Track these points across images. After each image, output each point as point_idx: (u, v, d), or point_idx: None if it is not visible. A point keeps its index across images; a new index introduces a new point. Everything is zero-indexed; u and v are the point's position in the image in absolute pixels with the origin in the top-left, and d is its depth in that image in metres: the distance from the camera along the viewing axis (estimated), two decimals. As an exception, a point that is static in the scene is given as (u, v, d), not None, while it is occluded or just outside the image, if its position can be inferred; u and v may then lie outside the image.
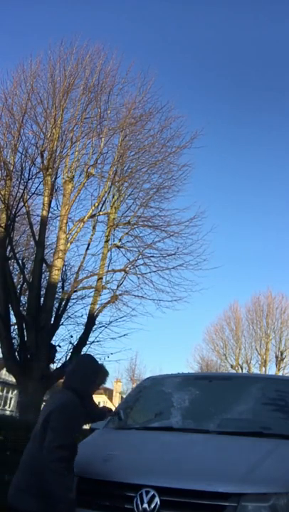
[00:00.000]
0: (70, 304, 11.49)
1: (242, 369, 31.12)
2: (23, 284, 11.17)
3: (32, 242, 12.14)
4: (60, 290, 11.30)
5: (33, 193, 10.86)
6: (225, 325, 33.18)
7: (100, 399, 48.96)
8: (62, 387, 3.14)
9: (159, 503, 2.70)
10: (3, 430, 6.18)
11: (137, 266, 11.95)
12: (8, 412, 28.97)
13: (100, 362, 3.32)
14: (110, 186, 11.69)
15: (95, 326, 11.34)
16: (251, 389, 4.19)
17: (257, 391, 4.15)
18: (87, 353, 3.24)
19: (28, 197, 10.76)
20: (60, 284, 11.23)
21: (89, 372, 3.13)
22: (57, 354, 10.72)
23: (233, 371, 29.49)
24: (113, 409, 4.27)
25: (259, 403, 4.02)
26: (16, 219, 10.80)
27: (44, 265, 11.01)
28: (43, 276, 11.03)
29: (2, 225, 10.25)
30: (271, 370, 31.40)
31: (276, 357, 31.96)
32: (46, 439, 2.79)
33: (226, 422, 3.71)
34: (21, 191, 10.42)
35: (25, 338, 10.13)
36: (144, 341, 34.02)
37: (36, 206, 11.82)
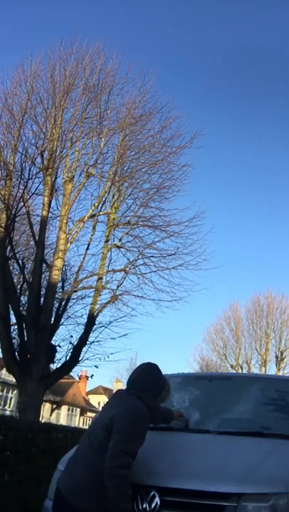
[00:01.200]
0: (70, 304, 11.50)
1: (242, 369, 31.11)
2: (23, 284, 11.16)
3: (32, 242, 12.13)
4: (60, 290, 11.29)
5: (33, 193, 10.87)
6: (225, 325, 33.21)
7: (99, 399, 49.01)
8: (126, 391, 3.03)
9: (159, 503, 2.70)
10: (3, 430, 6.18)
11: (137, 266, 11.96)
12: (8, 412, 28.97)
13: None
14: (110, 186, 11.69)
15: (95, 326, 11.34)
16: (251, 389, 4.19)
17: (257, 391, 4.15)
18: (151, 362, 3.11)
19: (28, 197, 10.76)
20: (60, 284, 11.23)
21: (156, 385, 3.03)
22: (57, 354, 10.72)
23: (233, 371, 29.48)
24: None
25: (259, 403, 4.02)
26: (16, 219, 10.79)
27: (44, 265, 11.01)
28: (43, 276, 11.02)
29: (2, 225, 10.25)
30: (271, 370, 31.43)
31: (276, 357, 31.97)
32: (112, 441, 2.69)
33: (226, 422, 3.72)
34: (21, 191, 10.41)
35: (25, 338, 10.12)
36: (144, 341, 34.07)
37: (36, 206, 11.83)
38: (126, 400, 2.90)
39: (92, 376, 15.45)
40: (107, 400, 3.17)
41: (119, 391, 3.11)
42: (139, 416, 2.80)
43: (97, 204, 11.51)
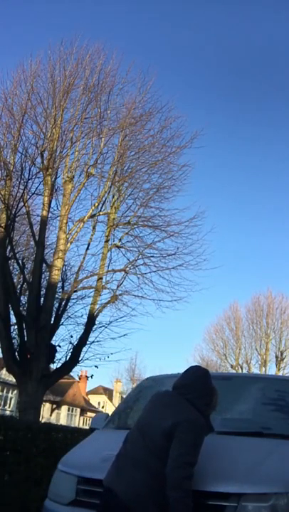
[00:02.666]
0: (70, 303, 11.49)
1: (242, 369, 31.11)
2: (23, 284, 11.16)
3: (32, 242, 12.13)
4: (60, 290, 11.29)
5: (33, 193, 10.86)
6: (225, 325, 33.22)
7: (100, 399, 49.02)
8: (179, 394, 2.93)
9: (159, 503, 2.69)
10: (3, 430, 6.18)
11: (137, 266, 11.95)
12: (8, 412, 28.97)
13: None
14: (110, 186, 11.68)
15: (95, 326, 11.34)
16: (251, 389, 4.19)
17: (257, 391, 4.15)
18: (201, 366, 3.04)
19: (28, 197, 10.75)
20: (60, 284, 11.22)
21: (208, 392, 2.97)
22: (57, 354, 10.72)
23: (233, 371, 29.49)
24: (113, 409, 4.23)
25: (259, 403, 4.02)
26: (16, 219, 10.79)
27: (44, 265, 11.00)
28: (43, 276, 11.02)
29: (2, 225, 10.24)
30: (271, 370, 31.43)
31: (276, 357, 31.97)
32: (175, 451, 2.63)
33: (226, 422, 3.71)
34: (21, 191, 10.41)
35: (25, 338, 10.12)
36: (144, 341, 34.08)
37: (36, 206, 11.83)
38: (186, 409, 2.81)
39: (92, 376, 15.44)
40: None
41: (170, 394, 2.99)
42: (201, 428, 2.77)
43: (97, 204, 11.51)
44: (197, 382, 2.97)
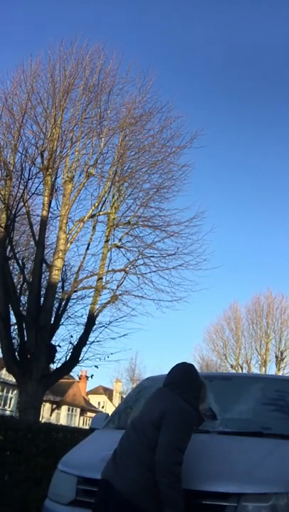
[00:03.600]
0: (70, 303, 11.49)
1: (242, 369, 31.12)
2: (23, 284, 11.16)
3: (32, 242, 12.13)
4: (60, 290, 11.29)
5: (33, 193, 10.86)
6: (225, 325, 33.23)
7: (100, 399, 49.02)
8: (169, 390, 2.99)
9: (159, 503, 2.69)
10: (3, 430, 6.18)
11: (137, 266, 11.95)
12: (8, 412, 28.97)
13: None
14: (110, 186, 11.68)
15: (95, 326, 11.34)
16: (251, 389, 4.19)
17: (257, 391, 4.15)
18: (187, 362, 3.33)
19: (28, 197, 10.75)
20: (60, 284, 11.22)
21: (196, 385, 3.06)
22: (57, 354, 10.72)
23: (233, 371, 29.49)
24: (113, 409, 4.24)
25: (259, 403, 4.02)
26: (16, 219, 10.79)
27: (44, 265, 11.00)
28: (43, 276, 11.02)
29: (2, 225, 10.24)
30: (271, 370, 31.44)
31: (276, 357, 31.98)
32: (163, 437, 2.70)
33: (226, 422, 3.71)
34: (21, 191, 10.41)
35: (25, 338, 10.11)
36: (144, 341, 34.07)
37: (36, 206, 11.83)
38: (173, 399, 2.89)
39: (92, 376, 15.44)
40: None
41: (160, 389, 3.07)
42: (190, 415, 2.83)
43: (97, 204, 11.51)
44: (185, 378, 3.05)
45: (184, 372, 3.12)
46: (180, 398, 2.90)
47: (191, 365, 3.20)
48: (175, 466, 2.62)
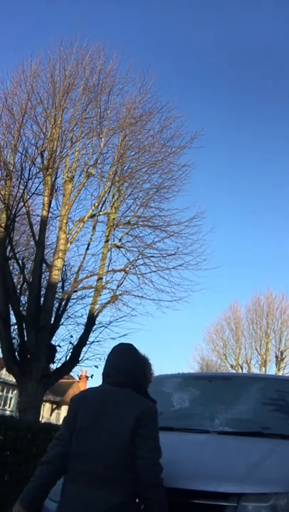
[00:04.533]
0: (70, 304, 11.50)
1: (242, 369, 31.12)
2: (23, 284, 11.17)
3: (32, 242, 12.14)
4: (60, 290, 11.30)
5: (33, 193, 10.87)
6: (225, 325, 33.21)
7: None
8: (119, 388, 2.59)
9: (159, 503, 2.70)
10: (3, 430, 6.18)
11: (137, 266, 11.96)
12: (8, 412, 28.98)
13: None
14: (110, 186, 11.69)
15: (95, 326, 11.35)
16: (251, 389, 4.19)
17: (257, 391, 4.15)
18: (124, 343, 2.86)
19: (28, 197, 10.76)
20: (60, 284, 11.23)
21: (143, 369, 2.75)
22: (57, 354, 10.72)
23: (233, 371, 29.49)
24: None
25: (259, 403, 4.02)
26: (16, 219, 10.79)
27: (44, 265, 11.01)
28: (43, 276, 11.03)
29: (2, 225, 10.25)
30: (271, 370, 31.43)
31: (276, 357, 31.97)
32: (143, 449, 2.39)
33: (226, 422, 3.71)
34: (21, 191, 10.42)
35: (25, 338, 10.12)
36: (144, 341, 34.01)
37: (36, 206, 11.84)
38: (136, 400, 2.56)
39: (92, 376, 15.42)
40: (99, 407, 2.55)
41: (107, 389, 2.62)
42: (157, 416, 2.56)
43: (97, 204, 11.52)
44: (132, 365, 2.69)
45: (129, 358, 2.72)
46: (138, 395, 2.59)
47: (130, 346, 2.81)
48: (160, 476, 2.40)
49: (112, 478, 2.34)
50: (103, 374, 2.71)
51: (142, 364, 2.76)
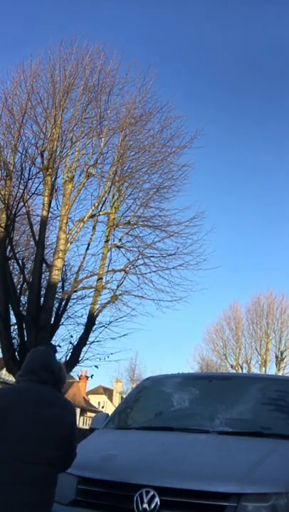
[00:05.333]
0: (70, 304, 11.50)
1: (242, 369, 31.12)
2: (23, 284, 11.17)
3: (32, 242, 12.14)
4: (60, 290, 11.30)
5: (33, 193, 10.88)
6: (225, 325, 33.22)
7: (100, 399, 49.02)
8: (42, 383, 2.58)
9: (159, 503, 2.70)
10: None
11: (137, 266, 11.96)
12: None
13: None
14: (110, 186, 11.69)
15: (95, 326, 11.35)
16: (251, 389, 4.19)
17: (257, 391, 4.15)
18: (41, 347, 2.94)
19: (28, 197, 10.77)
20: (60, 284, 11.23)
21: (59, 372, 2.73)
22: (57, 354, 10.70)
23: (233, 371, 29.50)
24: (113, 409, 4.25)
25: (259, 403, 4.02)
26: (16, 219, 10.80)
27: (44, 265, 11.01)
28: (43, 276, 11.03)
29: (2, 225, 10.26)
30: (271, 370, 31.44)
31: (276, 357, 31.99)
32: (70, 451, 2.56)
33: (226, 422, 3.71)
34: (21, 191, 10.42)
35: (25, 338, 10.13)
36: (144, 341, 33.99)
37: (36, 206, 11.84)
38: (63, 399, 2.63)
39: (92, 376, 15.48)
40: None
41: (35, 388, 2.56)
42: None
43: (97, 204, 11.52)
44: (54, 363, 2.73)
45: (43, 359, 2.73)
46: (59, 394, 2.63)
47: (47, 348, 2.88)
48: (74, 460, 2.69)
49: (36, 477, 2.34)
50: (24, 371, 2.65)
51: (58, 364, 2.79)
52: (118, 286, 11.65)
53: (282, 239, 58.85)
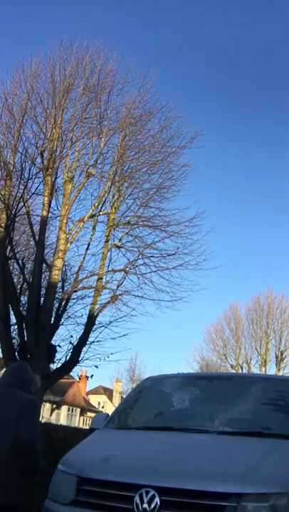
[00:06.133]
0: (70, 303, 11.48)
1: (242, 369, 31.13)
2: (23, 284, 11.16)
3: (32, 242, 12.12)
4: (60, 290, 11.28)
5: (33, 193, 10.85)
6: (225, 325, 33.23)
7: (100, 399, 49.01)
8: (8, 384, 3.43)
9: (159, 503, 2.70)
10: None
11: (137, 266, 11.94)
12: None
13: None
14: (110, 186, 11.68)
15: (95, 326, 11.32)
16: (251, 389, 4.19)
17: (257, 391, 4.15)
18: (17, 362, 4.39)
19: (28, 197, 10.75)
20: (60, 284, 11.21)
21: (30, 375, 3.58)
22: (57, 354, 10.71)
23: (233, 371, 29.51)
24: (113, 409, 4.35)
25: (259, 403, 4.02)
26: (16, 219, 10.78)
27: (44, 265, 11.00)
28: (43, 276, 11.02)
29: (2, 225, 10.25)
30: (271, 370, 31.45)
31: (276, 357, 32.00)
32: (26, 428, 3.14)
33: (226, 422, 3.72)
34: (21, 191, 10.40)
35: (25, 338, 10.11)
36: (144, 341, 33.96)
37: (36, 206, 11.81)
38: (21, 395, 3.35)
39: (92, 376, 15.42)
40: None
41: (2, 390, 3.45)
42: (36, 406, 3.51)
43: (97, 204, 11.51)
44: (21, 371, 3.56)
45: (19, 371, 3.62)
46: (22, 393, 3.38)
47: (20, 363, 3.84)
48: (37, 446, 3.24)
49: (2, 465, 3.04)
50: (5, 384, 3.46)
51: (29, 372, 3.57)
52: (118, 286, 11.64)
53: (283, 239, 58.91)
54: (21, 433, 3.12)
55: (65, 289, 11.47)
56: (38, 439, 3.23)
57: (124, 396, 7.78)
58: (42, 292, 10.82)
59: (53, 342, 10.66)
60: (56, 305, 11.02)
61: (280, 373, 30.21)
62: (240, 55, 59.50)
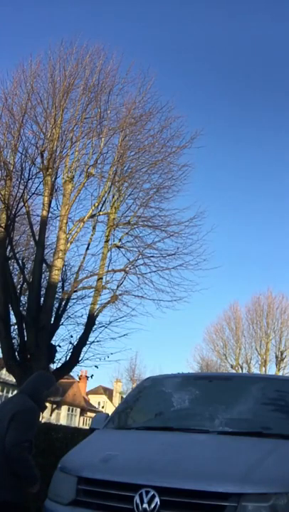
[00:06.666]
0: (70, 304, 11.47)
1: (242, 369, 31.12)
2: (23, 284, 11.15)
3: (32, 242, 12.11)
4: (60, 290, 11.28)
5: (33, 193, 10.84)
6: (225, 325, 33.22)
7: (100, 399, 48.99)
8: (20, 390, 3.83)
9: (159, 503, 2.70)
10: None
11: (137, 266, 11.93)
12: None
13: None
14: (110, 186, 11.67)
15: (95, 326, 11.32)
16: (251, 389, 4.19)
17: (257, 391, 4.15)
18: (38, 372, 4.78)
19: (28, 197, 10.74)
20: (60, 284, 11.21)
21: (45, 383, 3.89)
22: (57, 354, 10.71)
23: (233, 371, 29.50)
24: (113, 409, 4.44)
25: (259, 403, 4.02)
26: (16, 219, 10.77)
27: (44, 265, 11.00)
28: (43, 276, 11.01)
29: (2, 225, 10.24)
30: (271, 370, 31.44)
31: (276, 357, 31.99)
32: (13, 432, 3.42)
33: (226, 422, 3.72)
34: (21, 191, 10.40)
35: (25, 338, 10.11)
36: (144, 341, 33.97)
37: (36, 206, 11.80)
38: (22, 402, 3.70)
39: (92, 376, 15.41)
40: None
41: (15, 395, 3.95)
42: (27, 412, 3.73)
43: (97, 204, 11.50)
44: (34, 380, 3.88)
45: (32, 377, 4.05)
46: (26, 398, 3.74)
47: (38, 374, 4.14)
48: (24, 451, 3.56)
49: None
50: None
51: (44, 383, 3.86)
52: (118, 286, 11.64)
53: (283, 238, 58.91)
54: (6, 438, 3.39)
55: (65, 289, 11.46)
56: (19, 447, 3.39)
57: (124, 396, 7.78)
58: (42, 292, 10.81)
59: (53, 342, 10.66)
60: (56, 305, 11.01)
61: (280, 373, 30.20)
62: (241, 55, 59.53)
